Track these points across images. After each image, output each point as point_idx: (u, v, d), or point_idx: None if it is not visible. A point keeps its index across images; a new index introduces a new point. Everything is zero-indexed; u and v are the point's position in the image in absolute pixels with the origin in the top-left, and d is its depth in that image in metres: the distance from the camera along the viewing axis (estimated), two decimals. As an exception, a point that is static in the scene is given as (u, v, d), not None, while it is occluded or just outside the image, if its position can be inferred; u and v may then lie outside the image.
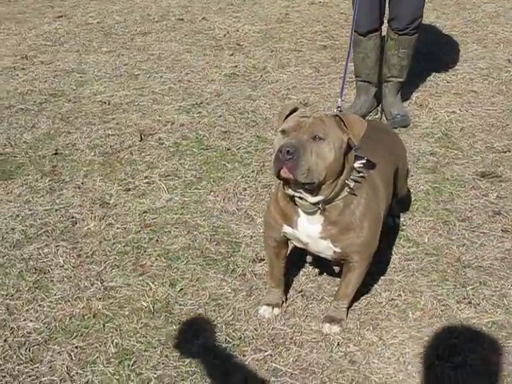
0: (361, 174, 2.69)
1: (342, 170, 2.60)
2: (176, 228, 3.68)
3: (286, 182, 2.58)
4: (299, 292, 3.19)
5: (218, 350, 2.87)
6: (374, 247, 2.85)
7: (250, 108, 5.02)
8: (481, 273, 3.28)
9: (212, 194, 3.99)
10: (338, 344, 2.87)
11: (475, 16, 6.84)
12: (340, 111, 3.09)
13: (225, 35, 6.62)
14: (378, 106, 4.92)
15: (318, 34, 6.56)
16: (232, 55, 6.11)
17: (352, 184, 2.66)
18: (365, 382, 2.69)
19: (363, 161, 2.72)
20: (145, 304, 3.11)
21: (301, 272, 3.32)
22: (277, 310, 3.05)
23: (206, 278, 3.30)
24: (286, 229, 2.81)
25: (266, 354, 2.83)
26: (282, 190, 2.70)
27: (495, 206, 3.80)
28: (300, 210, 2.71)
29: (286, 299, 3.12)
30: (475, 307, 3.06)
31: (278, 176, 2.50)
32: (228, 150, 4.46)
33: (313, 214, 2.68)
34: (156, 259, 3.44)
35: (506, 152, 4.35)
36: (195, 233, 3.63)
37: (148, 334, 2.94)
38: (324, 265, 3.21)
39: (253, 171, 4.19)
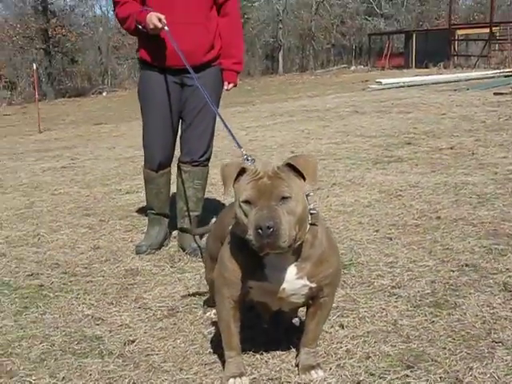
0: (312, 204, 2.69)
1: None
2: (26, 342, 3.46)
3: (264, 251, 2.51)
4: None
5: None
6: (340, 276, 2.93)
7: (44, 256, 4.97)
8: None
9: (48, 313, 3.84)
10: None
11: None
12: (247, 159, 3.06)
13: (-23, 223, 6.46)
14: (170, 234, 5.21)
15: (75, 209, 6.70)
16: (-5, 235, 5.98)
17: (310, 215, 2.66)
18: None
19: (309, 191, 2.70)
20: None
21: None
22: (245, 379, 2.83)
23: (85, 364, 3.16)
24: (252, 283, 2.70)
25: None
26: (239, 243, 2.61)
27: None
28: (266, 258, 2.62)
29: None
30: (347, 328, 3.36)
31: (262, 251, 2.49)
32: (41, 286, 4.34)
33: (284, 256, 2.62)
34: (20, 365, 3.20)
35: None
36: (51, 339, 3.47)
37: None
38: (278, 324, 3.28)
39: (78, 294, 4.14)
